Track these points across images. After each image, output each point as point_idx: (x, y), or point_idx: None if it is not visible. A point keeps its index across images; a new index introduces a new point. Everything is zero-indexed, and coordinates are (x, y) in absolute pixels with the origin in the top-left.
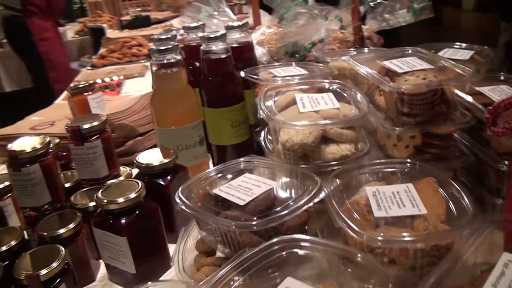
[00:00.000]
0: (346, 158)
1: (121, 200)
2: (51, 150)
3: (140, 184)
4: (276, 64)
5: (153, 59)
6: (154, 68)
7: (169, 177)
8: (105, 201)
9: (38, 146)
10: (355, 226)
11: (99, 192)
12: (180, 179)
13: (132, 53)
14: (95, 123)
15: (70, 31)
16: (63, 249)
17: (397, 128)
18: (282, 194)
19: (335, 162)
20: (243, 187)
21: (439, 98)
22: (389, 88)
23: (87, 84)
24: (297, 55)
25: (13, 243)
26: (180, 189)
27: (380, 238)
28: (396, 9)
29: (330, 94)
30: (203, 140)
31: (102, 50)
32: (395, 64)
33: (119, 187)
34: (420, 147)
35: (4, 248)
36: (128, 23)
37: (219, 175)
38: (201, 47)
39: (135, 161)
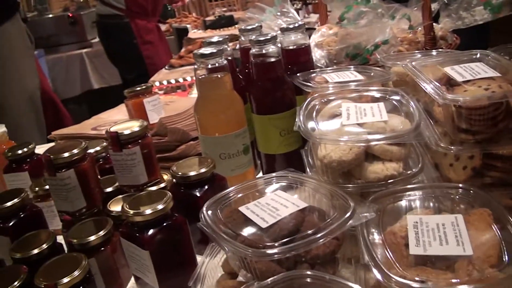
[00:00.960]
0: (392, 179)
1: (147, 211)
2: (88, 155)
3: (168, 195)
4: (332, 68)
5: (197, 64)
6: (198, 73)
7: (205, 188)
8: (131, 212)
9: (75, 151)
10: (384, 266)
11: (126, 203)
12: (217, 190)
13: None
14: (135, 129)
15: None
16: (86, 258)
17: (452, 147)
18: (311, 217)
19: (380, 183)
20: (271, 206)
21: (503, 113)
22: (443, 101)
23: (144, 87)
24: (358, 58)
25: (44, 246)
26: (206, 204)
27: (413, 285)
28: (472, 6)
29: (381, 104)
30: (247, 148)
31: (182, 50)
32: (456, 72)
33: (148, 197)
34: (480, 169)
35: (35, 251)
36: (212, 23)
37: (250, 190)
38: (250, 51)
39: (171, 170)
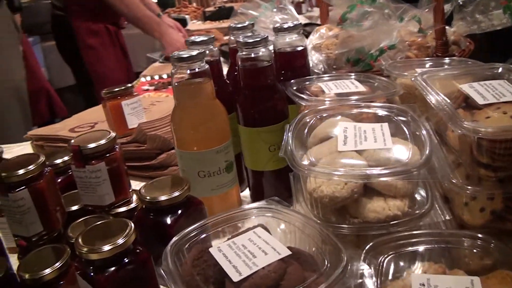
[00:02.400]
0: (395, 220)
1: (104, 248)
2: (47, 171)
3: (129, 227)
4: (330, 75)
5: (174, 68)
6: (175, 79)
7: (177, 215)
8: (85, 249)
9: (31, 167)
10: None
11: (80, 236)
12: (193, 216)
13: None
14: (102, 142)
15: None
16: None
17: (468, 187)
18: (295, 269)
19: (380, 224)
20: (247, 251)
21: None
22: (461, 130)
23: (122, 87)
24: (361, 64)
25: None
26: (172, 242)
27: None
28: (490, 9)
29: (385, 125)
30: (231, 166)
31: None
32: (476, 91)
33: (107, 228)
34: (500, 213)
35: None
36: (211, 14)
37: (227, 223)
38: (238, 54)
39: (139, 193)
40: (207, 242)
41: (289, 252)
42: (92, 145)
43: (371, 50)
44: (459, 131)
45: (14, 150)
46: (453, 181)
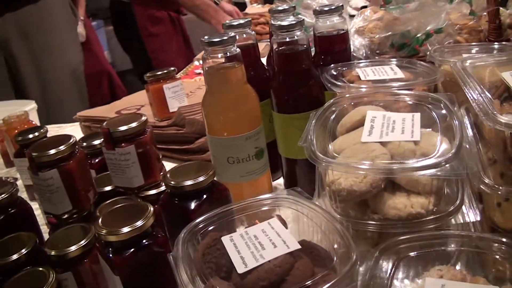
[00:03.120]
0: (418, 218)
1: (123, 230)
2: (78, 152)
3: (149, 210)
4: (370, 61)
5: (204, 52)
6: (205, 63)
7: (201, 200)
8: (103, 231)
9: (61, 148)
10: None
11: (100, 218)
12: (216, 202)
13: (256, 31)
14: (132, 125)
15: None
16: (54, 273)
17: (500, 187)
18: (304, 264)
19: (401, 222)
20: (257, 242)
21: None
22: (494, 124)
23: (165, 71)
24: (406, 49)
25: (23, 251)
26: (186, 228)
27: None
28: None
29: (417, 115)
30: (261, 153)
31: None
32: None
33: (127, 211)
34: None
35: (14, 257)
36: None
37: (245, 212)
38: (272, 37)
39: (163, 178)
40: (222, 229)
41: (299, 246)
42: (122, 128)
43: (418, 34)
44: (491, 125)
45: (65, 130)
46: (484, 179)
